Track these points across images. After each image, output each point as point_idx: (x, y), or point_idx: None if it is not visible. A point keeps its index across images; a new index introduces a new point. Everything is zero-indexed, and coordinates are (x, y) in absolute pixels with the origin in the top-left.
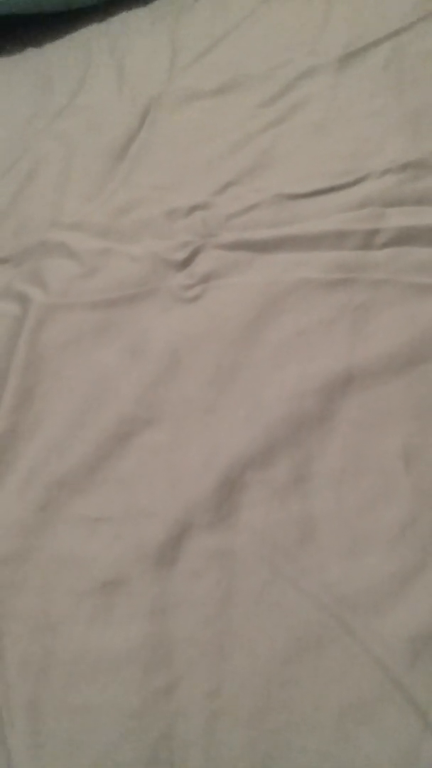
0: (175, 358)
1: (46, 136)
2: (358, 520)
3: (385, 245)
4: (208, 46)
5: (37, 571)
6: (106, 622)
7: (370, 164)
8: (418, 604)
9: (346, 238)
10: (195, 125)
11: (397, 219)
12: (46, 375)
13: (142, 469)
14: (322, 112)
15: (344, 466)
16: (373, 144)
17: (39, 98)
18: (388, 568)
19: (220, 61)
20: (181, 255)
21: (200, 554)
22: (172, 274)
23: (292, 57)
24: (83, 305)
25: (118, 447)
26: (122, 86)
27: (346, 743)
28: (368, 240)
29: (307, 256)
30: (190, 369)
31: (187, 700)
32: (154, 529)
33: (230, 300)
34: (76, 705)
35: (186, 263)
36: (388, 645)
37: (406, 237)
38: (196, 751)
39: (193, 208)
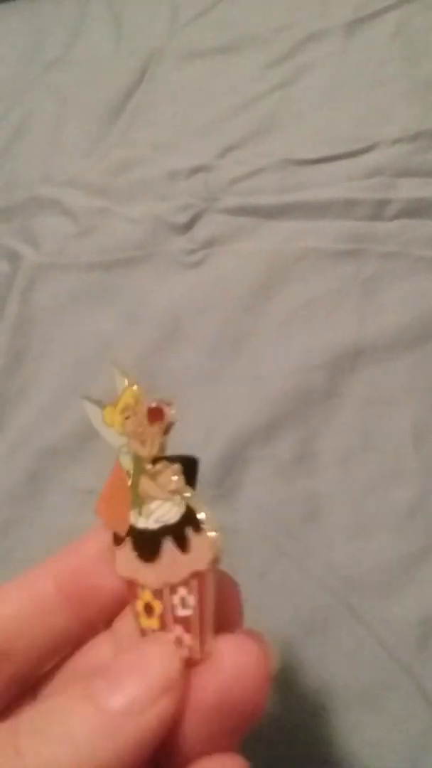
0: (175, 325)
1: (37, 88)
2: (365, 499)
3: (395, 216)
4: (211, 3)
5: (24, 543)
6: None
7: (380, 132)
8: (427, 587)
9: (354, 207)
10: (197, 84)
11: (408, 190)
12: (37, 338)
13: None
14: (329, 78)
15: (351, 443)
16: (383, 112)
17: (30, 49)
18: (397, 550)
19: (223, 19)
20: (182, 218)
21: None
22: (172, 237)
23: (299, 19)
24: (78, 266)
25: None
26: (120, 40)
27: (351, 731)
28: (378, 210)
29: (314, 224)
30: (191, 337)
31: None
32: None
33: (234, 267)
34: None
35: (188, 227)
36: (396, 630)
37: (417, 209)
38: None
39: (195, 170)
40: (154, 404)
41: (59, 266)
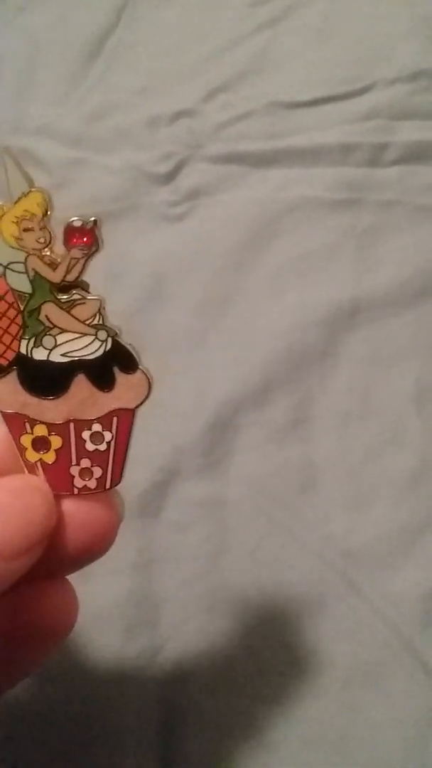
0: (159, 283)
1: (6, 32)
2: (365, 467)
3: (394, 162)
4: None
5: None
6: (84, 579)
7: (377, 72)
8: (430, 560)
9: (350, 153)
10: (179, 24)
11: (408, 133)
12: None
13: None
14: (321, 15)
15: (349, 407)
16: (380, 50)
17: None
18: (398, 521)
19: None
20: (164, 167)
21: (188, 504)
22: (154, 189)
23: None
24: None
25: None
26: None
27: (351, 710)
28: (376, 156)
29: (307, 171)
30: (176, 296)
31: (173, 664)
32: (137, 476)
33: (221, 219)
34: None
35: (170, 177)
36: (397, 605)
37: (417, 153)
38: (189, 718)
39: (178, 115)
40: (78, 222)
41: None
